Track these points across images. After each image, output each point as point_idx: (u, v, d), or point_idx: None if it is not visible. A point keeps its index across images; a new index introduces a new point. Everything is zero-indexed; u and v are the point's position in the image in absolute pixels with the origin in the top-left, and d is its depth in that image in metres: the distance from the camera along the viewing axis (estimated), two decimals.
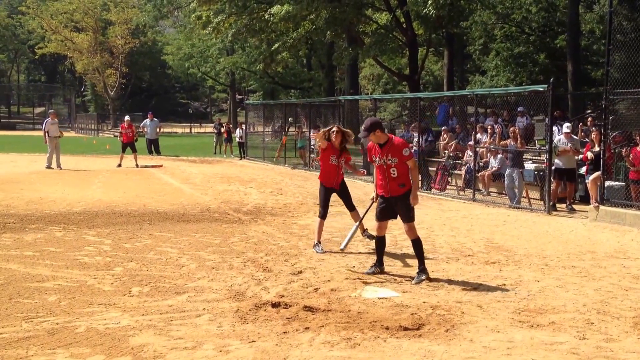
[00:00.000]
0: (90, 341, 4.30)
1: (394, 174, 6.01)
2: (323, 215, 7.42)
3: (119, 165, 18.74)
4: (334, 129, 7.43)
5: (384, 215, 6.22)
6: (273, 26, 22.51)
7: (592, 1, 25.65)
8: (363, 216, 7.00)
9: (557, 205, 11.14)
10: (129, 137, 19.41)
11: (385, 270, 6.35)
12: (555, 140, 11.23)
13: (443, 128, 15.87)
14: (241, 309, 5.03)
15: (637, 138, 9.73)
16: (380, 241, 6.36)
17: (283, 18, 20.66)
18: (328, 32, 23.11)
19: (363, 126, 6.11)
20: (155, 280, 5.93)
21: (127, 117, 21.36)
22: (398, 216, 6.19)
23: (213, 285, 5.83)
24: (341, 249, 6.82)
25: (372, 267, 6.38)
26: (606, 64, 9.82)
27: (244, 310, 4.98)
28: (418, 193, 6.29)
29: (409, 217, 6.05)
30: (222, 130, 26.32)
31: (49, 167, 17.62)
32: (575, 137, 11.93)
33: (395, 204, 6.08)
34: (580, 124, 14.60)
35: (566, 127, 11.42)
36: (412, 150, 6.40)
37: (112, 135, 38.97)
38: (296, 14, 20.63)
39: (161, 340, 4.31)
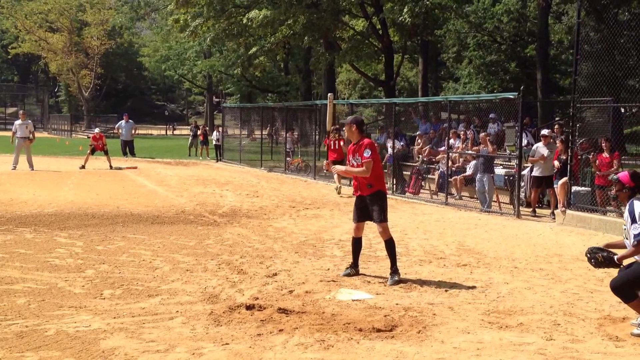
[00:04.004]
0: (60, 344, 4.24)
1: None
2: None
3: (83, 167, 18.32)
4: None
5: (360, 217, 6.33)
6: (251, 30, 22.53)
7: (561, 12, 26.35)
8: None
9: (525, 209, 11.35)
10: (99, 147, 19.17)
11: (360, 272, 6.41)
12: (533, 148, 11.40)
13: (417, 133, 16.10)
14: (215, 311, 5.02)
15: (603, 145, 9.99)
16: (356, 243, 6.44)
17: (261, 23, 20.69)
18: (305, 38, 23.22)
19: (348, 117, 6.45)
20: (127, 283, 5.88)
21: (97, 130, 21.40)
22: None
23: (187, 287, 5.80)
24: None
25: (347, 268, 6.45)
26: (574, 73, 10.07)
27: (218, 313, 4.97)
28: (387, 197, 6.46)
29: (380, 218, 6.17)
30: (198, 132, 26.31)
31: (14, 168, 17.27)
32: (553, 142, 11.96)
33: (367, 205, 6.20)
34: (550, 130, 14.92)
35: (546, 132, 11.44)
36: (372, 155, 6.19)
37: (86, 137, 38.41)
38: (274, 19, 20.68)
39: (133, 344, 4.27)
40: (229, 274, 6.35)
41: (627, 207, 4.71)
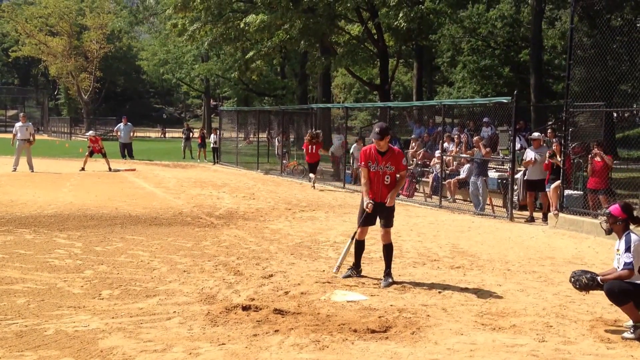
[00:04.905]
0: (59, 344, 4.29)
1: (387, 182, 6.27)
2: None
3: (82, 169, 18.45)
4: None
5: (367, 221, 6.43)
6: (248, 35, 22.62)
7: (555, 18, 26.49)
8: (354, 234, 6.49)
9: (518, 212, 11.42)
10: (97, 149, 19.25)
11: (362, 274, 6.48)
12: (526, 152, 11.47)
13: (412, 137, 16.22)
14: (212, 312, 5.08)
15: (594, 149, 10.04)
16: (360, 245, 6.53)
17: (258, 28, 20.79)
18: (302, 42, 23.31)
19: (377, 129, 6.18)
20: (125, 284, 5.94)
21: (90, 132, 21.48)
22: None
23: (184, 288, 5.86)
24: (334, 272, 6.43)
25: (349, 269, 6.51)
26: (567, 78, 10.18)
27: (215, 313, 5.03)
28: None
29: (389, 223, 6.32)
30: (191, 135, 26.58)
31: (15, 170, 17.35)
32: (545, 146, 12.04)
33: (381, 210, 6.29)
34: (542, 134, 15.04)
35: (536, 135, 11.49)
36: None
37: (86, 139, 38.51)
38: (271, 24, 20.78)
39: (131, 343, 4.33)
40: (226, 275, 6.41)
41: (624, 238, 4.77)
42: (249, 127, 25.37)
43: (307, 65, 28.29)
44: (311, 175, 16.12)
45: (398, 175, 6.34)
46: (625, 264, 4.69)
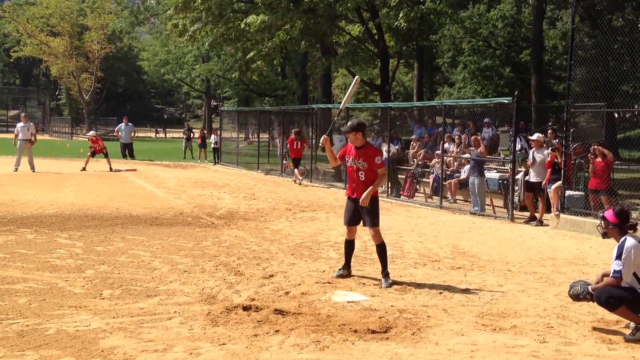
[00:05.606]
0: (60, 343, 4.30)
1: (362, 178, 6.26)
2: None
3: (84, 169, 18.49)
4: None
5: (352, 220, 6.43)
6: (249, 35, 22.66)
7: (556, 18, 26.44)
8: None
9: (519, 213, 11.42)
10: (98, 150, 19.26)
11: (352, 274, 6.50)
12: (530, 153, 11.48)
13: (412, 137, 16.24)
14: (212, 312, 5.08)
15: (595, 150, 10.01)
16: (349, 245, 6.54)
17: (258, 28, 20.83)
18: (302, 42, 23.35)
19: (349, 123, 6.36)
20: (126, 283, 5.95)
21: (91, 132, 21.44)
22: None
23: (185, 288, 5.87)
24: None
25: (340, 269, 6.55)
26: (568, 78, 10.19)
27: (215, 313, 5.03)
28: (383, 200, 6.55)
29: (373, 222, 6.27)
30: (192, 135, 26.61)
31: (16, 170, 17.41)
32: (545, 147, 11.99)
33: (361, 209, 6.27)
34: (542, 135, 15.05)
35: (536, 136, 11.45)
36: (384, 160, 6.61)
37: (87, 139, 38.58)
38: (271, 24, 20.82)
39: (131, 343, 4.33)
40: (226, 275, 6.42)
41: (619, 242, 4.76)
42: (250, 128, 25.41)
43: (308, 65, 28.34)
44: (295, 171, 16.79)
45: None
46: (614, 271, 4.68)
